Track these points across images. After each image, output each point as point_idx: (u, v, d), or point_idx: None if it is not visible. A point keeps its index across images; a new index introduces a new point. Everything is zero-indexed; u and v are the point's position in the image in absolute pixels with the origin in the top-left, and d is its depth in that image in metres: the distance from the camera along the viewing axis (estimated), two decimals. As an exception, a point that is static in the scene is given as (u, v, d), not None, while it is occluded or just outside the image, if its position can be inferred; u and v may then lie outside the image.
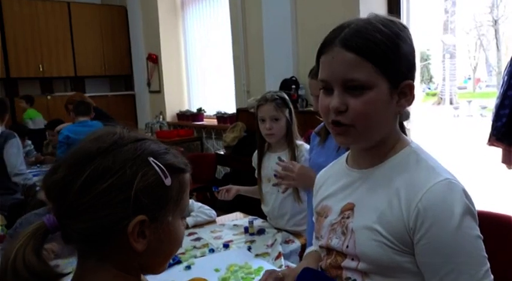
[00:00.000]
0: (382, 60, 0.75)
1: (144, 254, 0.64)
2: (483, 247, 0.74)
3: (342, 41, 0.76)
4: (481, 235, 0.75)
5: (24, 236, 0.60)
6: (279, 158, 1.73)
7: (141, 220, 0.62)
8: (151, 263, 0.68)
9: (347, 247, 0.81)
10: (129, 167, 0.62)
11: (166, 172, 0.64)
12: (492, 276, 0.74)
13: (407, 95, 0.80)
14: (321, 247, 0.91)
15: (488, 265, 0.74)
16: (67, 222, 0.62)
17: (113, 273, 0.64)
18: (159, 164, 0.64)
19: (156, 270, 0.70)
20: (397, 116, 0.83)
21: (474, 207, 0.75)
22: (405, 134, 0.89)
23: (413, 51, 0.81)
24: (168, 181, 0.64)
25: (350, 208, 0.83)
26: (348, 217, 0.83)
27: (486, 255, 0.74)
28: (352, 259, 0.81)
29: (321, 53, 0.80)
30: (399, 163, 0.81)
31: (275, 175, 1.65)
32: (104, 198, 0.60)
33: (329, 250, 0.87)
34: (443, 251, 0.72)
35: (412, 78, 0.80)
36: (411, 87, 0.80)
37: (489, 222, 1.48)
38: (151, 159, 0.64)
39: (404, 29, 0.80)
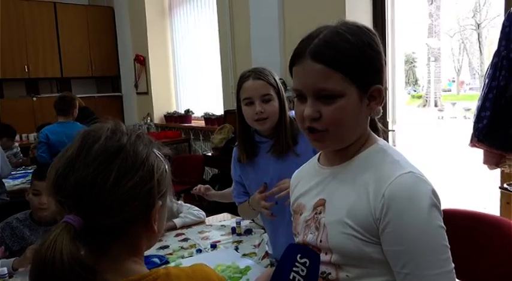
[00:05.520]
0: (351, 69, 0.79)
1: (154, 235, 0.71)
2: (445, 236, 0.78)
3: (312, 53, 0.80)
4: (443, 226, 0.78)
5: (53, 238, 0.59)
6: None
7: (160, 205, 0.69)
8: (153, 242, 0.74)
9: (320, 241, 0.85)
10: (147, 159, 0.68)
11: (164, 159, 0.72)
12: (453, 265, 0.77)
13: (377, 98, 0.84)
14: (298, 243, 0.94)
15: (449, 254, 0.77)
16: (95, 219, 0.63)
17: (132, 260, 0.69)
18: (160, 154, 0.72)
19: (151, 247, 0.76)
20: (368, 117, 0.87)
21: (438, 198, 0.79)
22: (377, 129, 0.93)
23: (381, 56, 0.85)
24: (167, 168, 0.72)
25: (321, 203, 0.88)
26: (320, 213, 0.87)
27: (448, 245, 0.78)
28: (326, 253, 0.85)
29: (292, 64, 0.85)
30: (367, 159, 0.85)
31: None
32: (134, 191, 0.65)
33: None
34: (406, 240, 0.76)
35: (380, 82, 0.84)
36: (380, 91, 0.84)
37: (490, 225, 1.52)
38: (155, 150, 0.71)
39: (372, 35, 0.84)
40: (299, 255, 0.87)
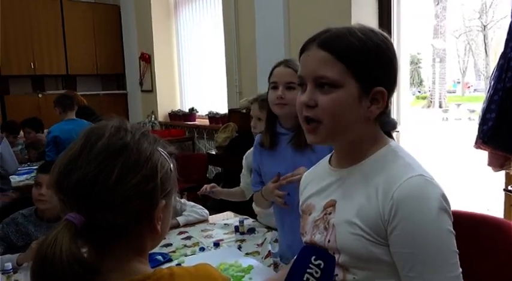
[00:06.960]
0: (354, 62, 0.80)
1: (157, 235, 0.70)
2: (454, 241, 0.77)
3: (319, 41, 0.82)
4: (453, 231, 0.78)
5: (54, 235, 0.60)
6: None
7: (163, 204, 0.68)
8: (157, 242, 0.74)
9: (328, 241, 0.85)
10: (151, 157, 0.67)
11: (169, 158, 0.71)
12: (460, 269, 0.77)
13: (379, 101, 0.83)
14: (305, 243, 0.94)
15: (457, 259, 0.77)
16: (97, 216, 0.63)
17: (137, 260, 0.69)
18: (165, 152, 0.71)
19: (155, 246, 0.76)
20: (368, 121, 0.84)
21: (448, 202, 0.78)
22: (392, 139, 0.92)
23: (392, 61, 0.83)
24: (173, 167, 0.71)
25: (332, 204, 0.87)
26: (329, 213, 0.87)
27: (457, 250, 0.77)
28: (333, 253, 0.85)
29: (301, 52, 0.86)
30: (378, 160, 0.84)
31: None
32: (137, 189, 0.64)
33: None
34: (414, 242, 0.75)
35: (386, 86, 0.82)
36: (383, 95, 0.82)
37: (493, 227, 1.53)
38: (160, 148, 0.70)
39: (384, 39, 0.83)
40: (313, 257, 0.87)
